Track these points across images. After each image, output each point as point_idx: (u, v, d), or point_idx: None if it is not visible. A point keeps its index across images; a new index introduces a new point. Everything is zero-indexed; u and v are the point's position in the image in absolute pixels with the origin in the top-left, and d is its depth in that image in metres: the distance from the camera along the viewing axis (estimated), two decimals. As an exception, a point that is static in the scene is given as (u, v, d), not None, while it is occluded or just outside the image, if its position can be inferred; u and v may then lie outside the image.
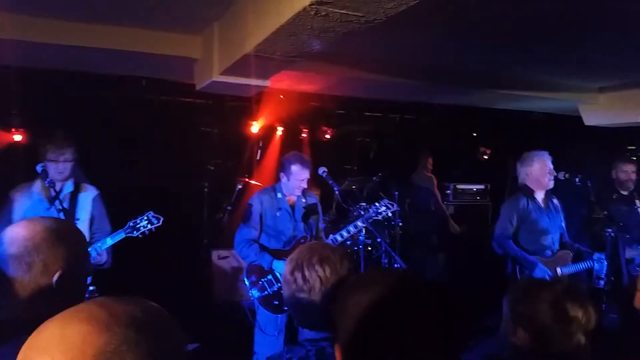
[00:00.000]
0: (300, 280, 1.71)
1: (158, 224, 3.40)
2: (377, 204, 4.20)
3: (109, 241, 3.30)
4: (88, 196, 3.55)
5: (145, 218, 3.37)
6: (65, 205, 3.33)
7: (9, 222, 3.17)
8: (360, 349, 1.06)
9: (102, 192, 3.65)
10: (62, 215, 3.16)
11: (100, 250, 3.29)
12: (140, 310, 0.86)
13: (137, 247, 3.56)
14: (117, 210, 3.67)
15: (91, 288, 2.92)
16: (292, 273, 1.73)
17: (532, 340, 1.71)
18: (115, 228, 3.47)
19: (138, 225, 3.35)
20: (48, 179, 3.27)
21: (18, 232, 1.36)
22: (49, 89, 5.25)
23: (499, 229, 4.22)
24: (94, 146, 5.62)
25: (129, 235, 3.35)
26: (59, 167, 3.36)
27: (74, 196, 3.48)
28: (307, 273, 1.70)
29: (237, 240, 3.97)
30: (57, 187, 3.36)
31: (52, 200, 3.28)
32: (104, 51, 3.96)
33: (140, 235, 3.37)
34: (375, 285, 1.09)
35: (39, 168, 3.31)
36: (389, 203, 4.18)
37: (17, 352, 1.20)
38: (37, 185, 3.40)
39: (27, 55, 4.24)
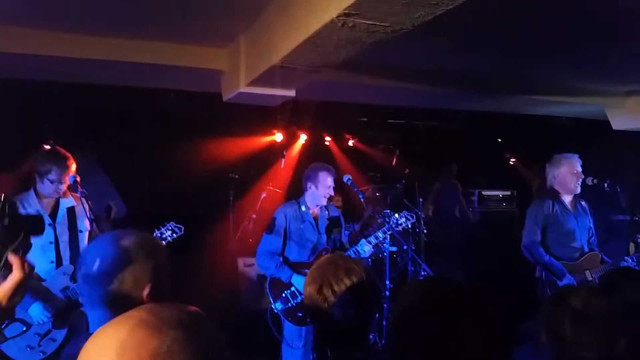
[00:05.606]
0: (331, 297, 1.62)
1: (180, 234, 3.44)
2: (396, 215, 4.15)
3: None
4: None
5: (169, 228, 3.42)
6: (67, 221, 3.33)
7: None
8: None
9: (129, 202, 3.60)
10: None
11: None
12: (185, 313, 0.92)
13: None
14: (144, 221, 3.71)
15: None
16: (319, 291, 1.64)
17: None
18: None
19: (164, 236, 3.42)
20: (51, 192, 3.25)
21: (107, 248, 1.43)
22: (76, 103, 5.37)
23: (526, 235, 4.16)
24: (121, 158, 5.77)
25: None
26: (59, 187, 3.27)
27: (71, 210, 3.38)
28: (336, 288, 1.62)
29: (260, 251, 4.00)
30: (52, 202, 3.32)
31: (53, 216, 3.27)
32: (132, 65, 4.04)
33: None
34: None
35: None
36: (408, 215, 4.16)
37: None
38: (34, 200, 3.27)
39: (56, 70, 4.33)
